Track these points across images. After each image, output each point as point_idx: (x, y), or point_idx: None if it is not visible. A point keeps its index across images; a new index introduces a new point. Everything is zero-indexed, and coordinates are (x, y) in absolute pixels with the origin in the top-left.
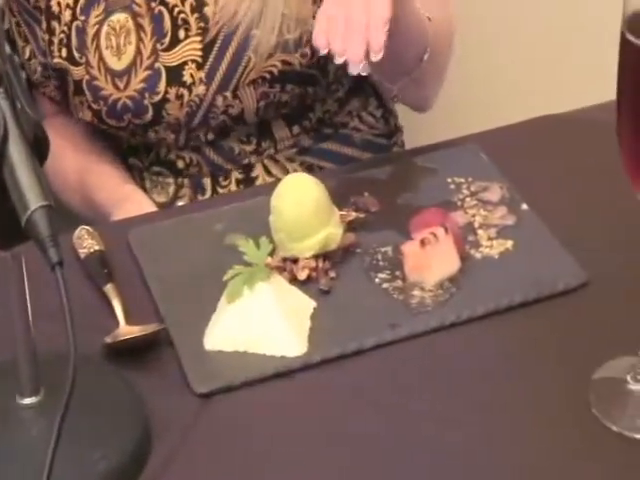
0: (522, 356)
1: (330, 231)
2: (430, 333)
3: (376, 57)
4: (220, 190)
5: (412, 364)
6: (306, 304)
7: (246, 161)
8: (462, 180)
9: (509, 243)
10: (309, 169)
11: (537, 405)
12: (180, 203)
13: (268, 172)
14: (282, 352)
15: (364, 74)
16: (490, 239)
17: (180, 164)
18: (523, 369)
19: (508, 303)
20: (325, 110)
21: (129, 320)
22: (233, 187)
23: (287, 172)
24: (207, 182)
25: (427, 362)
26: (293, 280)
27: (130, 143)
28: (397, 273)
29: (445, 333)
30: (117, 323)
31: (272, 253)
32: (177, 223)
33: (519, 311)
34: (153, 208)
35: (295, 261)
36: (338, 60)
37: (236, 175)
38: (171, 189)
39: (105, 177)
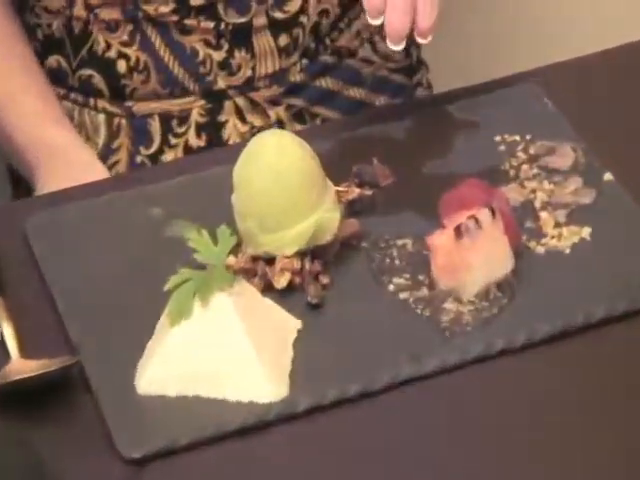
0: (605, 396)
1: (322, 216)
2: (469, 366)
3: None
4: (173, 141)
5: (442, 412)
6: (287, 325)
7: (211, 78)
8: (517, 138)
9: (585, 231)
10: (298, 117)
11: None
12: (114, 159)
13: (241, 117)
14: (251, 396)
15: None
16: (558, 225)
17: (121, 67)
18: (606, 414)
19: (585, 319)
20: (322, 13)
21: (25, 351)
22: (192, 139)
23: (268, 120)
24: (155, 126)
25: (465, 408)
26: (268, 289)
27: (53, 35)
28: (421, 277)
29: (492, 365)
30: (7, 356)
31: (236, 250)
32: (96, 206)
33: (600, 330)
34: (99, 171)
35: (270, 261)
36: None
37: (197, 116)
38: (102, 134)
39: (26, 108)
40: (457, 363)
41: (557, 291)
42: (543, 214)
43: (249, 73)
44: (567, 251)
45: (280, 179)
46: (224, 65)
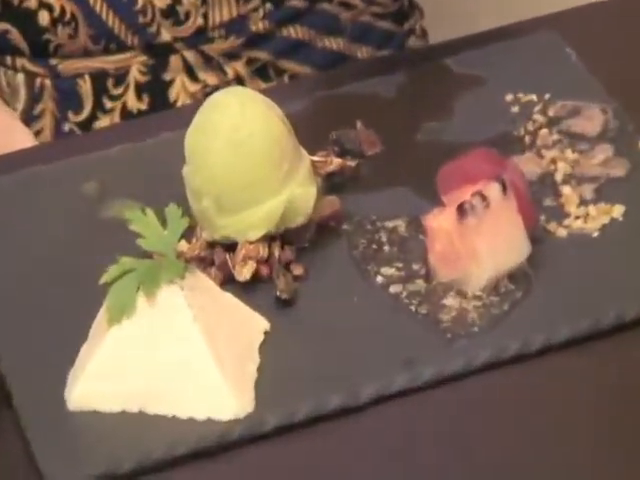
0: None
1: (294, 192)
2: (475, 375)
3: None
4: (108, 105)
5: (442, 431)
6: (252, 326)
7: (153, 29)
8: (533, 98)
9: (617, 210)
10: (261, 73)
11: None
12: (36, 127)
13: (191, 75)
14: (208, 413)
15: None
16: (584, 203)
17: (43, 19)
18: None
19: (616, 318)
20: None
21: None
22: (131, 101)
23: (224, 77)
24: (85, 87)
25: (469, 426)
26: (228, 282)
27: None
28: (415, 267)
29: (503, 374)
30: None
31: (189, 234)
32: (15, 182)
33: (635, 331)
34: (21, 136)
35: (231, 248)
36: None
37: (137, 74)
38: (21, 98)
39: None
40: (460, 371)
41: (582, 284)
42: (565, 189)
43: (200, 22)
44: (595, 234)
45: (242, 148)
46: (169, 13)
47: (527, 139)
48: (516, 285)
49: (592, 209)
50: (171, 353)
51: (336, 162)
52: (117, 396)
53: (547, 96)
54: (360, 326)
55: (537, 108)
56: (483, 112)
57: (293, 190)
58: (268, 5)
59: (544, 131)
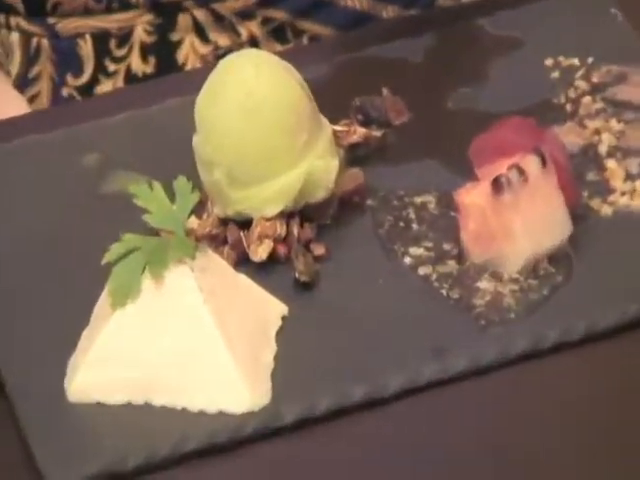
0: None
1: (313, 164)
2: (512, 365)
3: None
4: (111, 67)
5: (474, 425)
6: (268, 311)
7: None
8: (575, 62)
9: None
10: (278, 34)
11: None
12: (32, 91)
13: (201, 35)
14: (221, 405)
15: None
16: (630, 178)
17: None
18: None
19: None
20: None
21: None
22: (136, 64)
23: (237, 38)
24: (86, 48)
25: (505, 421)
26: (242, 262)
27: None
28: (447, 247)
29: (541, 364)
30: None
31: (200, 210)
32: (9, 153)
33: None
34: (14, 102)
35: (246, 225)
36: None
37: (142, 34)
38: (15, 59)
39: None
40: (496, 361)
41: (628, 266)
42: (610, 163)
43: None
44: None
45: (257, 116)
46: None
47: (568, 107)
48: (556, 267)
49: (639, 184)
50: (180, 340)
51: (360, 132)
52: (121, 387)
53: (590, 60)
54: (386, 311)
55: (579, 73)
56: (520, 78)
57: (313, 162)
58: None
59: (587, 99)
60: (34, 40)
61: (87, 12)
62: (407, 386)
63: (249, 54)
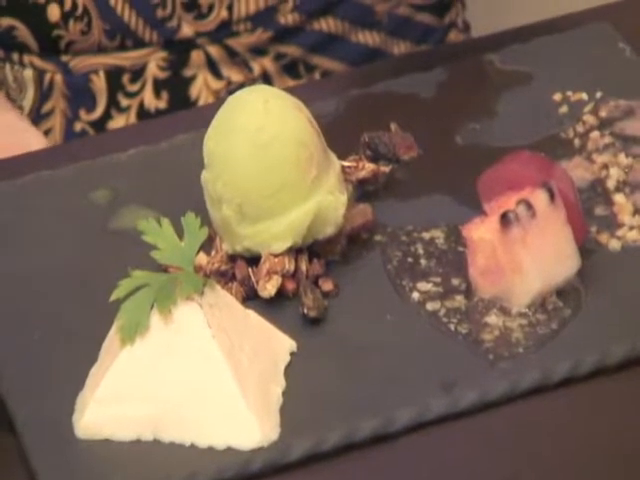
0: None
1: (323, 200)
2: (521, 399)
3: None
4: (124, 102)
5: (484, 461)
6: (277, 346)
7: (173, 24)
8: (583, 96)
9: None
10: (290, 70)
11: None
12: (45, 126)
13: (214, 71)
14: (230, 441)
15: None
16: (638, 212)
17: (53, 14)
18: None
19: None
20: None
21: None
22: (149, 99)
23: (250, 74)
24: (99, 83)
25: (514, 457)
26: (251, 298)
27: None
28: (455, 282)
29: (551, 399)
30: None
31: (208, 246)
32: (21, 188)
33: None
34: (33, 137)
35: (254, 261)
36: None
37: (155, 70)
38: (29, 95)
39: None
40: (505, 395)
41: (637, 300)
42: (619, 197)
43: (224, 15)
44: None
45: (266, 151)
46: (190, 6)
47: (576, 142)
48: (565, 302)
49: None
50: (189, 376)
51: (369, 167)
52: (129, 423)
53: (599, 95)
54: (394, 347)
55: (588, 108)
56: (529, 112)
57: (322, 198)
58: None
59: (595, 133)
60: (47, 76)
61: (100, 50)
62: (416, 421)
63: (258, 90)
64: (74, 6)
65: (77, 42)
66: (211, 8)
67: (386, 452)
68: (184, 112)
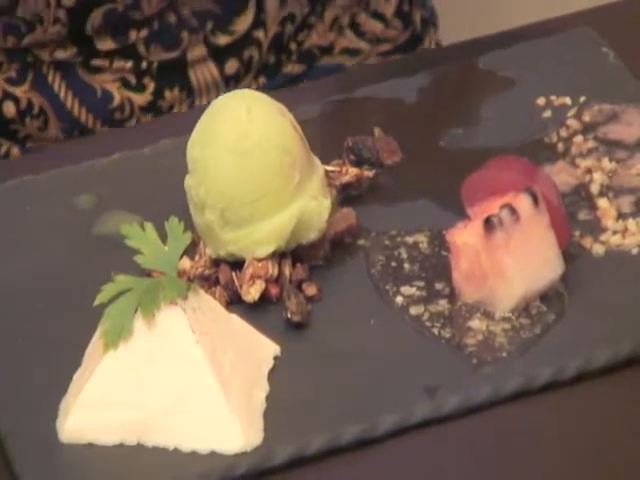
0: None
1: (306, 205)
2: (504, 404)
3: None
4: None
5: (467, 466)
6: (260, 351)
7: (132, 124)
8: (566, 101)
9: None
10: None
11: None
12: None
13: None
14: (213, 446)
15: None
16: (622, 217)
17: (9, 110)
18: None
19: None
20: (286, 19)
21: None
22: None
23: None
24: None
25: (497, 461)
26: (234, 303)
27: None
28: (438, 287)
29: (534, 403)
30: None
31: (192, 250)
32: (4, 193)
33: None
34: None
35: (238, 266)
36: None
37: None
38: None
39: None
40: (488, 400)
41: (621, 304)
42: (602, 202)
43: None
44: (634, 251)
45: (249, 157)
46: (151, 109)
47: (560, 146)
48: (548, 306)
49: (631, 223)
50: (172, 380)
51: (352, 172)
52: (113, 427)
53: (582, 99)
54: (378, 351)
55: (571, 112)
56: (512, 117)
57: (305, 203)
58: (262, 79)
59: (579, 138)
60: (3, 148)
61: (59, 141)
62: (399, 425)
63: (241, 95)
64: (30, 105)
65: (35, 136)
66: (171, 108)
67: (370, 457)
68: (167, 117)
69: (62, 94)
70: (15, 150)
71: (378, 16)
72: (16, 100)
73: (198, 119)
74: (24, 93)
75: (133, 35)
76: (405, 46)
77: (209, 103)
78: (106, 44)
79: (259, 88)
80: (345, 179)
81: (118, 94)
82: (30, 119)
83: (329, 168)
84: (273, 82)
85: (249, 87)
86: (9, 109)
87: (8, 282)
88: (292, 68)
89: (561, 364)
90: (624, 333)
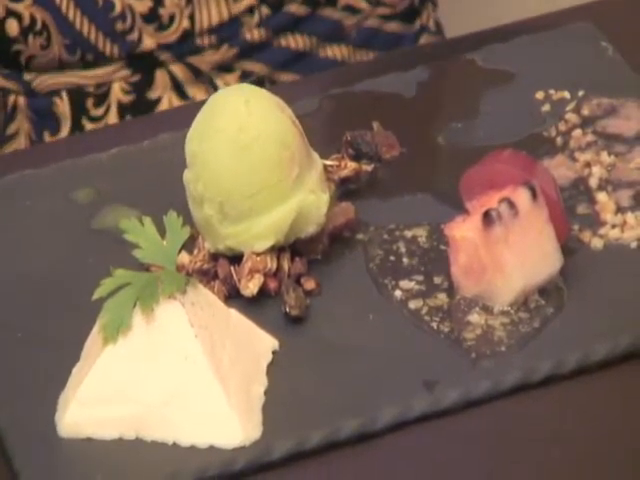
0: None
1: (304, 199)
2: (503, 398)
3: None
4: (88, 126)
5: (466, 460)
6: (259, 345)
7: (133, 36)
8: (565, 95)
9: None
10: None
11: None
12: (9, 149)
13: (179, 91)
14: (212, 440)
15: None
16: (620, 211)
17: (12, 28)
18: None
19: None
20: None
21: None
22: (113, 121)
23: (215, 92)
24: (63, 106)
25: (497, 456)
26: (233, 297)
27: None
28: (437, 281)
29: (534, 397)
30: None
31: (190, 245)
32: (3, 188)
33: None
34: None
35: (236, 260)
36: None
37: (120, 93)
38: None
39: None
40: (487, 394)
41: (619, 298)
42: (601, 196)
43: (186, 25)
44: (633, 245)
45: (248, 151)
46: (151, 17)
47: (559, 140)
48: (547, 300)
49: (630, 217)
50: (171, 375)
51: (351, 166)
52: (112, 421)
53: (581, 93)
54: (377, 345)
55: (570, 106)
56: (511, 111)
57: (304, 197)
58: (264, 9)
59: (577, 132)
60: (11, 98)
61: (62, 66)
62: (398, 419)
63: (240, 89)
64: (32, 20)
65: (37, 57)
66: (172, 18)
67: (369, 451)
68: (166, 111)
69: (64, 6)
70: (22, 99)
71: None
72: (19, 17)
73: (197, 113)
74: (26, 9)
75: None
76: (403, 15)
77: (209, 13)
78: None
79: (260, 21)
80: (344, 173)
81: (119, 2)
82: (33, 36)
83: (328, 162)
84: (275, 18)
85: (250, 14)
86: (12, 27)
87: (7, 276)
88: (296, 9)
89: (560, 358)
90: (623, 327)
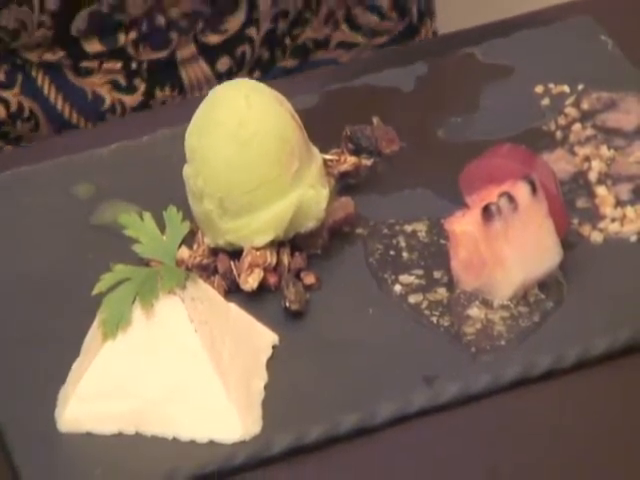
0: None
1: (304, 194)
2: (503, 392)
3: None
4: None
5: (466, 455)
6: (259, 340)
7: None
8: (565, 89)
9: None
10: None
11: None
12: None
13: None
14: (212, 435)
15: None
16: (620, 204)
17: None
18: None
19: None
20: (279, 16)
21: None
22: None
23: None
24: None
25: (496, 449)
26: (233, 292)
27: None
28: (437, 275)
29: (533, 392)
30: None
31: (190, 240)
32: (2, 183)
33: None
34: None
35: (236, 255)
36: None
37: None
38: None
39: None
40: (487, 388)
41: (619, 292)
42: (600, 190)
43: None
44: (632, 239)
45: (247, 146)
46: (143, 109)
47: (558, 134)
48: (547, 294)
49: (629, 211)
50: (171, 369)
51: (350, 161)
52: (112, 417)
53: (580, 87)
54: (376, 340)
55: (569, 100)
56: (510, 105)
57: (303, 192)
58: (256, 73)
59: (577, 126)
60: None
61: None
62: (398, 414)
63: (239, 84)
64: (20, 108)
65: (26, 136)
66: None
67: (368, 446)
68: (165, 106)
69: (52, 97)
70: (8, 148)
71: (374, 9)
72: (6, 103)
73: (196, 109)
74: (14, 96)
75: (122, 38)
76: (401, 37)
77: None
78: (94, 46)
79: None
80: (343, 168)
81: (109, 96)
82: (21, 122)
83: (327, 157)
84: (268, 77)
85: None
86: (0, 112)
87: (6, 272)
88: (287, 62)
89: (560, 352)
90: (623, 321)
